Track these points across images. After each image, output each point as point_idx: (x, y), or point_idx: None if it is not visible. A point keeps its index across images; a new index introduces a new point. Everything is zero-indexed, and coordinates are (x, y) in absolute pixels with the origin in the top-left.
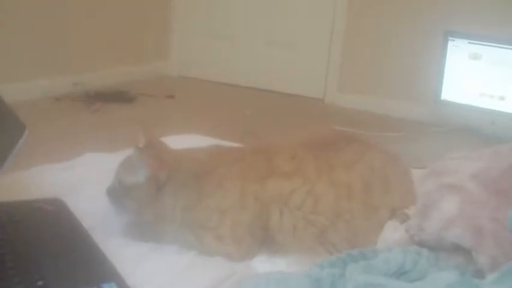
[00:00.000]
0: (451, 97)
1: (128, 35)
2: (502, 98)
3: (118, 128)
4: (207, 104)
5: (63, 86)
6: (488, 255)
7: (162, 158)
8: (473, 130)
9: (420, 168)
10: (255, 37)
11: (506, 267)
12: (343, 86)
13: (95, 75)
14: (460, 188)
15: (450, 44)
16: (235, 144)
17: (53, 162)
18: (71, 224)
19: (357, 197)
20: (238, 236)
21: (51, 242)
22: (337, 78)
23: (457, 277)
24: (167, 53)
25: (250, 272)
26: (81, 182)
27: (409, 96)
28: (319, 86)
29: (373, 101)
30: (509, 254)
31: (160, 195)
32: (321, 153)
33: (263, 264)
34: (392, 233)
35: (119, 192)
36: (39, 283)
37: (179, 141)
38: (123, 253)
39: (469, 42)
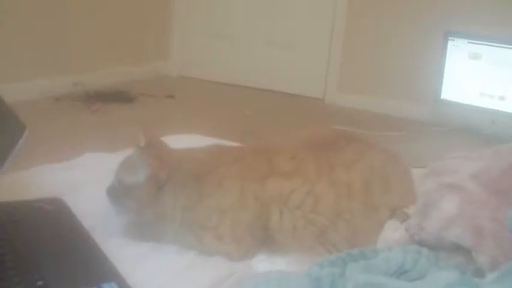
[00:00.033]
0: (451, 97)
1: (128, 35)
2: (502, 98)
3: (118, 128)
4: (207, 104)
5: (63, 86)
6: (488, 254)
7: (162, 158)
8: (473, 130)
9: (420, 168)
10: (255, 37)
11: (506, 266)
12: (343, 85)
13: (95, 75)
14: (460, 187)
15: (450, 43)
16: (235, 144)
17: (53, 162)
18: (71, 224)
19: (357, 197)
20: (238, 236)
21: (51, 242)
22: (337, 78)
23: (457, 276)
24: (167, 53)
25: (250, 271)
26: (81, 182)
27: (409, 96)
28: (319, 86)
29: (373, 100)
30: (509, 254)
31: (160, 195)
32: (321, 153)
33: (263, 263)
34: (393, 232)
35: (119, 192)
36: (39, 283)
37: (179, 141)
38: (124, 253)
39: (468, 42)
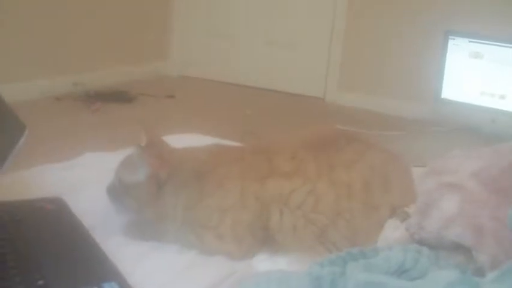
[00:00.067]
0: (452, 96)
1: (128, 34)
2: (502, 97)
3: (118, 127)
4: (207, 103)
5: (63, 86)
6: (489, 253)
7: (163, 157)
8: (474, 129)
9: (420, 167)
10: (255, 37)
11: (506, 265)
12: (344, 85)
13: (95, 75)
14: (460, 186)
15: (451, 42)
16: (235, 144)
17: (53, 162)
18: (71, 223)
19: (357, 196)
20: (239, 235)
21: (52, 241)
22: (338, 77)
23: (458, 275)
24: (167, 53)
25: (251, 271)
26: (81, 181)
27: (410, 95)
28: (319, 85)
29: (373, 99)
30: (509, 253)
31: (161, 194)
32: (321, 153)
33: (264, 263)
34: (393, 231)
35: (119, 191)
36: (40, 282)
37: (179, 141)
38: (124, 252)
39: (469, 41)
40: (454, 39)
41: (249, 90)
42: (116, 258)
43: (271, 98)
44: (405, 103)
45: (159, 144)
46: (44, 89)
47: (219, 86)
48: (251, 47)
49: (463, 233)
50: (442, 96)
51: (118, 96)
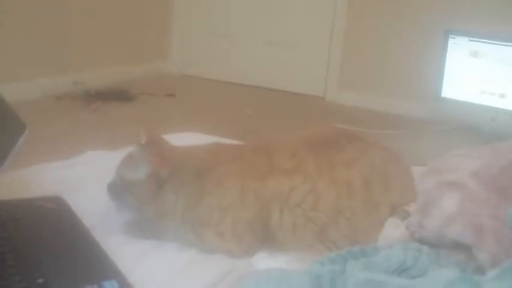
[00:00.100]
0: (452, 95)
1: (128, 34)
2: (502, 96)
3: (118, 126)
4: (207, 102)
5: (63, 85)
6: (489, 252)
7: (163, 155)
8: (474, 127)
9: (421, 166)
10: (255, 37)
11: (506, 264)
12: (344, 84)
13: (95, 74)
14: (460, 185)
15: (451, 41)
16: (235, 142)
17: (53, 161)
18: (71, 222)
19: (358, 195)
20: (239, 233)
21: (52, 240)
22: (338, 76)
23: (458, 274)
24: (167, 52)
25: (251, 269)
26: (81, 180)
27: (410, 94)
28: (319, 84)
29: (373, 98)
30: (509, 251)
31: (161, 192)
32: (321, 151)
33: (263, 261)
34: (393, 230)
35: (119, 188)
36: (40, 281)
37: (179, 139)
38: (124, 251)
39: (469, 40)
40: (454, 38)
41: (249, 90)
42: (116, 257)
43: (271, 97)
44: (405, 102)
45: (159, 142)
46: (44, 89)
47: (219, 85)
48: (251, 46)
49: (463, 232)
50: (442, 95)
51: (118, 95)
